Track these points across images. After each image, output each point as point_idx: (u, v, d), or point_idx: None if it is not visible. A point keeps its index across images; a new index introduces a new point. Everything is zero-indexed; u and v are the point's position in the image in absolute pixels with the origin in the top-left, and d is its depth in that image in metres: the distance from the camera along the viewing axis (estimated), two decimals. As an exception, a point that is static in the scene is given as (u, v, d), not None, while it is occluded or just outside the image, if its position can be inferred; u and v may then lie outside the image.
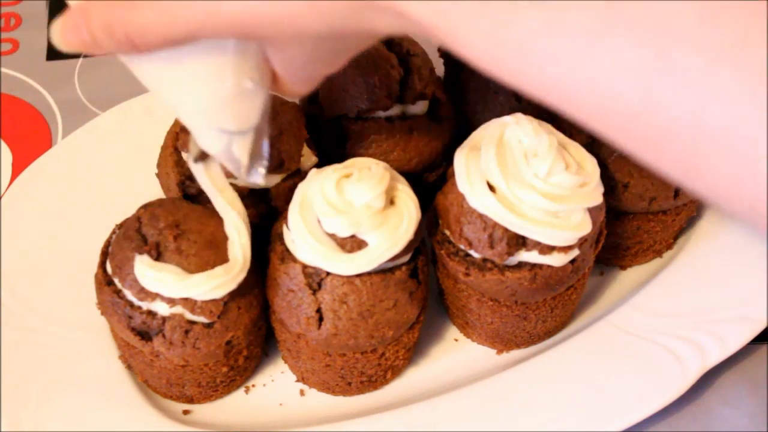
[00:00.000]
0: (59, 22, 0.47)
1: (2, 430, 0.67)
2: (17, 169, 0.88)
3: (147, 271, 0.61)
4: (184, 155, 0.68)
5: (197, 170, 0.64)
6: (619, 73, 0.33)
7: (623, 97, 0.33)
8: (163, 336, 0.64)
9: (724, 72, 0.31)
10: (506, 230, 0.63)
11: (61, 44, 0.47)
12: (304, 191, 0.64)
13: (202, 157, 0.59)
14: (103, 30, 0.45)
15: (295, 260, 0.64)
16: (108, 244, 0.67)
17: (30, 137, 0.91)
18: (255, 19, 0.42)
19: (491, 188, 0.63)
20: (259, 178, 0.57)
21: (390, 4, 0.39)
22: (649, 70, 0.32)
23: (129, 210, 0.66)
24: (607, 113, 0.34)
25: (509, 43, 0.35)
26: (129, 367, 0.72)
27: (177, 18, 0.43)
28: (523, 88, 0.37)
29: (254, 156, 0.54)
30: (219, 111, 0.50)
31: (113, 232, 0.67)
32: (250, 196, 0.70)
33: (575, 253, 0.65)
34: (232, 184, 0.69)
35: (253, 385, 0.73)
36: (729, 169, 0.32)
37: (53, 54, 0.99)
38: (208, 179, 0.64)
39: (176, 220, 0.63)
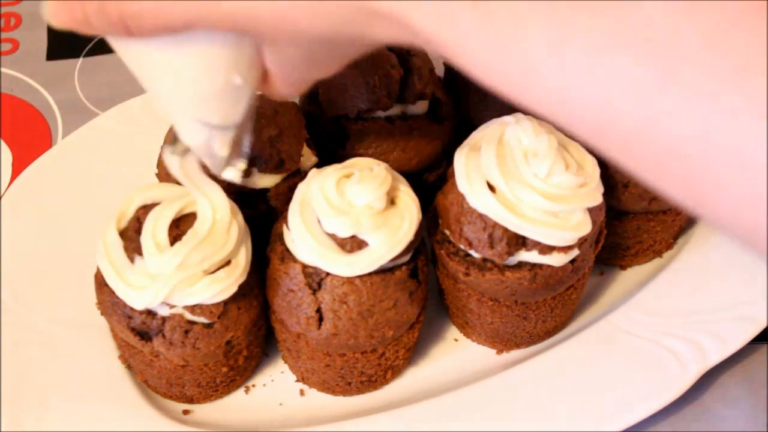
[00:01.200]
0: None
1: (2, 430, 0.67)
2: (17, 169, 0.88)
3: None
4: (163, 148, 0.65)
5: (172, 163, 0.62)
6: (624, 90, 0.32)
7: (627, 115, 0.33)
8: (163, 336, 0.64)
9: (732, 93, 0.31)
10: (506, 230, 0.63)
11: (52, 19, 0.45)
12: (304, 191, 0.64)
13: (181, 150, 0.58)
14: (98, 10, 0.43)
15: (295, 260, 0.64)
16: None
17: (30, 137, 0.91)
18: (254, 15, 0.41)
19: (491, 188, 0.63)
20: (234, 175, 0.56)
21: (392, 12, 0.38)
22: (655, 88, 0.32)
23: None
24: (610, 131, 0.34)
25: (512, 56, 0.35)
26: (129, 367, 0.72)
27: (175, 6, 0.42)
28: (525, 102, 0.36)
29: (233, 153, 0.54)
30: (204, 103, 0.49)
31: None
32: (250, 197, 0.70)
33: (575, 253, 0.65)
34: (232, 184, 0.69)
35: (253, 385, 0.73)
36: (733, 191, 0.32)
37: (53, 54, 0.99)
38: (182, 173, 0.62)
39: (175, 220, 0.63)
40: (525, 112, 0.65)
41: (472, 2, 0.35)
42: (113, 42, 0.48)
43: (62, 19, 0.45)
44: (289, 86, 0.49)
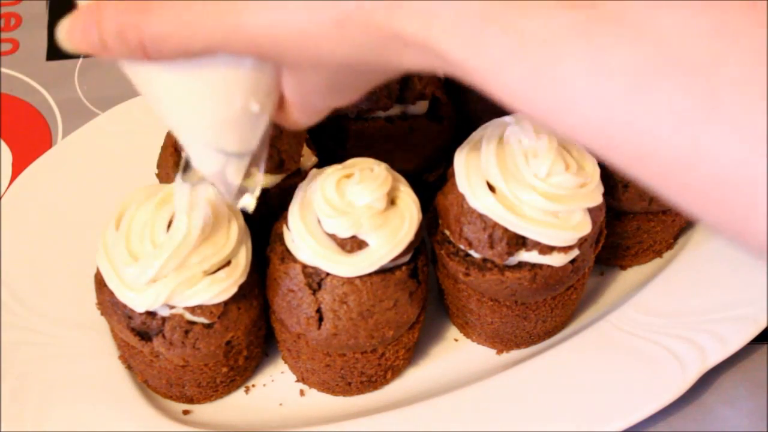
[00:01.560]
0: (67, 21, 0.44)
1: (2, 430, 0.67)
2: (17, 169, 0.88)
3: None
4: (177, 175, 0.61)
5: (182, 189, 0.59)
6: (666, 119, 0.32)
7: (669, 144, 0.32)
8: (163, 336, 0.64)
9: None
10: (506, 230, 0.63)
11: (68, 44, 0.44)
12: (304, 191, 0.64)
13: (195, 178, 0.56)
14: (116, 35, 0.42)
15: (295, 260, 0.64)
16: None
17: (30, 137, 0.91)
18: (278, 40, 0.39)
19: (491, 188, 0.63)
20: (248, 204, 0.54)
21: (421, 40, 0.36)
22: (698, 117, 0.31)
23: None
24: (651, 160, 0.33)
25: (548, 82, 0.34)
26: (129, 367, 0.72)
27: (197, 30, 0.40)
28: (559, 128, 0.36)
29: (246, 179, 0.53)
30: (222, 130, 0.48)
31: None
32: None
33: (575, 253, 0.65)
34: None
35: (253, 385, 0.73)
36: None
37: (53, 54, 0.99)
38: (187, 201, 0.59)
39: (176, 220, 0.63)
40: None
41: (504, 27, 0.34)
42: (125, 65, 0.46)
43: (78, 44, 0.44)
44: (305, 114, 0.48)
